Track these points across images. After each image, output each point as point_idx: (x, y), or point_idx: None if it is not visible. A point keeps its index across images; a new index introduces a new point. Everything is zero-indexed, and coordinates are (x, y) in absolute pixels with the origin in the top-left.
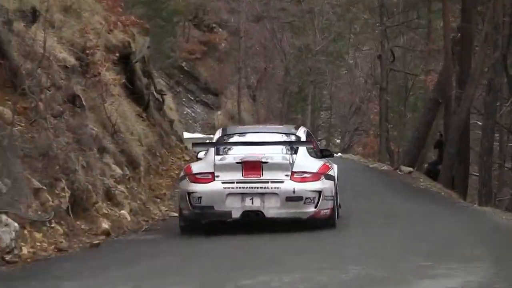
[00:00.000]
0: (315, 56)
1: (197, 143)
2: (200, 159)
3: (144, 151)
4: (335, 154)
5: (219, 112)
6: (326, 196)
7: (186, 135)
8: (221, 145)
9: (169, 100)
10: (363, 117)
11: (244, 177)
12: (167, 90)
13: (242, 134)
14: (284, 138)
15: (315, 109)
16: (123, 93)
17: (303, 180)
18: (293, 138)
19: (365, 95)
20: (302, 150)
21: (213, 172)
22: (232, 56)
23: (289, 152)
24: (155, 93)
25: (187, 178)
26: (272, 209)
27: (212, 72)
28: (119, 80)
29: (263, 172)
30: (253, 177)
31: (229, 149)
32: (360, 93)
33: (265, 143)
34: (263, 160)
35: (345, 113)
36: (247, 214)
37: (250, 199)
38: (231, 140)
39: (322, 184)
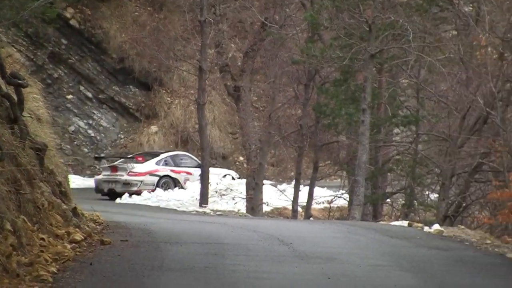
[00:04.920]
0: None
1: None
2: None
3: None
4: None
5: (153, 128)
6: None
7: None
8: None
9: (34, 98)
10: (493, 141)
11: None
12: (30, 75)
13: None
14: None
15: (379, 121)
16: None
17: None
18: None
19: (500, 88)
20: None
21: None
22: None
23: None
24: (2, 85)
25: None
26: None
27: (138, 35)
28: None
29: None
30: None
31: None
32: (488, 85)
33: None
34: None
35: (446, 130)
36: None
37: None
38: None
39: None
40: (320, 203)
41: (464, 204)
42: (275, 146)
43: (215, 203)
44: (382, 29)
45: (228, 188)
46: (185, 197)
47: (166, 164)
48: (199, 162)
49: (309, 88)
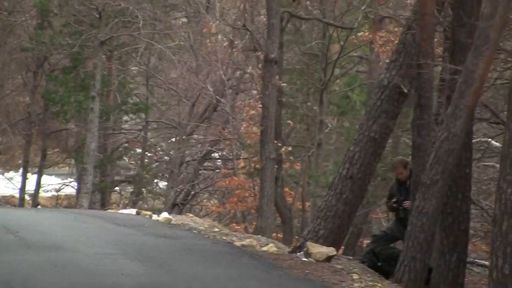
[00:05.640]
0: None
1: None
2: None
3: None
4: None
5: None
6: None
7: None
8: None
9: None
10: (222, 129)
11: None
12: None
13: None
14: None
15: (108, 109)
16: None
17: None
18: None
19: (230, 76)
20: None
21: None
22: None
23: None
24: None
25: None
26: None
27: None
28: None
29: None
30: None
31: None
32: (218, 72)
33: None
34: None
35: (175, 118)
36: None
37: None
38: None
39: None
40: (48, 191)
41: (192, 192)
42: (2, 134)
43: None
44: (112, 16)
45: None
46: None
47: None
48: None
49: (38, 75)
